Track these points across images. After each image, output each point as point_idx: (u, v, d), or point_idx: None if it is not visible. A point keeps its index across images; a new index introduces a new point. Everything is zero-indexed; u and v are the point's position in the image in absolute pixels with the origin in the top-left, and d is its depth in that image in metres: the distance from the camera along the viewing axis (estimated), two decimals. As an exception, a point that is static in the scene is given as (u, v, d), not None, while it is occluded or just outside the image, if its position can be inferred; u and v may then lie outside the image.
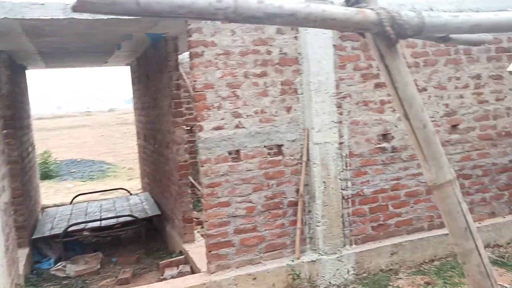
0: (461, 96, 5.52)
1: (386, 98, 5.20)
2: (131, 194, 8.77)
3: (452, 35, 1.58)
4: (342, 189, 5.03)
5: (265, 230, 4.81)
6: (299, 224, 4.87)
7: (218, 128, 4.60)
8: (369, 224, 5.20)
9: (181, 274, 5.04)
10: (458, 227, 1.48)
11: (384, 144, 5.23)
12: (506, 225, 5.65)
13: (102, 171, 16.66)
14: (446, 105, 5.45)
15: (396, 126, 5.25)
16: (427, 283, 4.89)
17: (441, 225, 5.49)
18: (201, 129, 4.56)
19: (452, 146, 5.51)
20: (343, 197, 5.05)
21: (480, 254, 1.49)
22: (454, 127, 5.52)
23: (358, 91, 5.08)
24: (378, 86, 5.15)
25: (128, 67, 9.07)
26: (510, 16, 1.22)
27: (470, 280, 1.56)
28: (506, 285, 4.76)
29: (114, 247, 7.04)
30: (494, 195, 5.73)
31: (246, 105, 4.70)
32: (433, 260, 5.33)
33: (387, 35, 1.14)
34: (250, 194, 4.74)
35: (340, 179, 5.00)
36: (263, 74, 4.74)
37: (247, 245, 4.73)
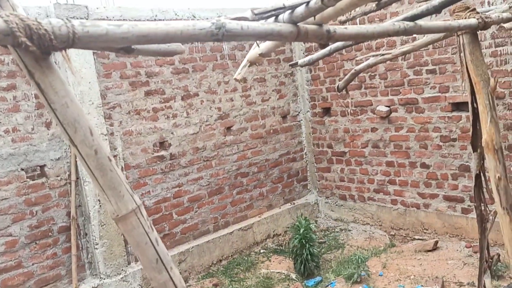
0: (232, 99, 5.78)
1: (159, 106, 5.09)
2: None
3: (137, 46, 1.46)
4: (120, 204, 4.73)
5: (33, 264, 4.21)
6: (74, 251, 4.40)
7: (-44, 154, 3.82)
8: (154, 236, 5.02)
9: None
10: (148, 260, 1.37)
11: (162, 152, 5.13)
12: (282, 215, 6.16)
13: None
14: (219, 109, 5.64)
15: (172, 133, 5.20)
16: (215, 285, 4.97)
17: (226, 225, 5.68)
18: None
19: (228, 148, 5.73)
20: (122, 213, 4.75)
21: (175, 286, 1.41)
22: (229, 129, 5.75)
23: (128, 100, 4.85)
24: (149, 93, 5.00)
25: None
26: (179, 26, 1.14)
27: None
28: (284, 271, 5.16)
29: None
30: (270, 189, 6.19)
31: (-8, 123, 4.01)
32: (220, 260, 5.46)
33: (28, 49, 0.93)
34: (9, 226, 4.08)
35: (117, 194, 4.70)
36: (12, 87, 4.12)
37: (11, 286, 4.06)
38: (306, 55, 3.32)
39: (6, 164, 4.07)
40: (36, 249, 4.23)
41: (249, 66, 2.07)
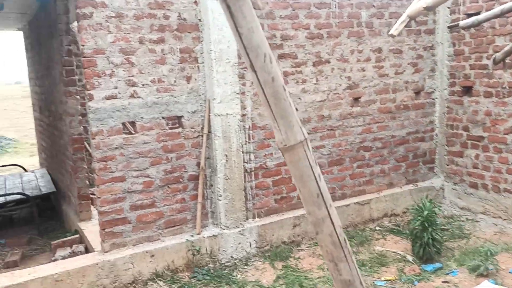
0: (363, 69, 5.59)
1: (289, 70, 5.12)
2: (25, 171, 8.07)
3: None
4: (244, 162, 4.92)
5: (164, 205, 4.59)
6: (200, 199, 4.70)
7: (110, 97, 4.25)
8: (272, 197, 5.16)
9: (73, 254, 4.68)
10: (309, 193, 1.37)
11: (288, 116, 5.17)
12: (403, 195, 5.90)
13: (0, 147, 15.34)
14: (349, 78, 5.50)
15: (299, 98, 5.21)
16: (327, 253, 4.97)
17: (342, 197, 5.61)
18: (91, 98, 4.18)
19: (354, 119, 5.59)
20: (245, 170, 4.94)
21: (333, 223, 1.40)
22: (356, 99, 5.60)
23: (261, 62, 4.94)
24: (281, 57, 5.04)
25: (21, 33, 8.22)
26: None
27: (323, 251, 1.46)
28: (400, 252, 4.97)
29: (4, 229, 6.44)
30: (393, 167, 5.95)
31: (142, 73, 4.38)
32: (334, 231, 5.43)
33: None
34: (147, 168, 4.47)
35: (243, 152, 4.89)
36: (160, 41, 4.43)
37: (144, 222, 4.49)
38: (452, 26, 3.01)
39: (150, 111, 4.43)
40: (168, 192, 4.59)
41: (408, 22, 1.95)
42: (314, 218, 1.38)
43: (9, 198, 6.15)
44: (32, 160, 11.77)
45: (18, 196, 6.08)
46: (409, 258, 4.82)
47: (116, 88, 4.27)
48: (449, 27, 3.15)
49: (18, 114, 23.27)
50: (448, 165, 6.11)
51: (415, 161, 6.11)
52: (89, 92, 4.17)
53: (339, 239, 1.41)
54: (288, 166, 1.38)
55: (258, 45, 1.20)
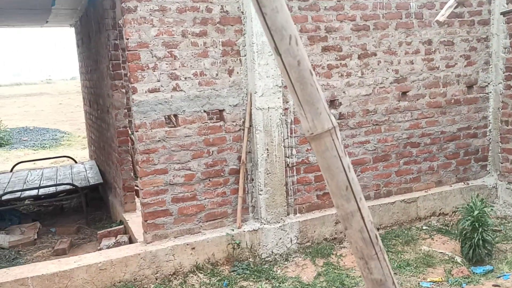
0: (412, 62, 5.37)
1: (334, 63, 4.99)
2: (76, 162, 8.37)
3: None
4: (286, 156, 4.86)
5: (205, 198, 4.61)
6: (241, 193, 4.68)
7: (153, 90, 4.30)
8: (314, 193, 5.07)
9: (117, 244, 4.80)
10: (338, 186, 1.29)
11: (332, 111, 5.06)
12: (452, 194, 5.64)
13: (55, 140, 16.04)
14: (396, 71, 5.30)
15: (344, 92, 5.08)
16: (370, 252, 4.83)
17: (388, 194, 5.43)
18: (134, 91, 4.24)
19: (401, 114, 5.39)
20: (287, 165, 4.88)
21: (363, 218, 1.31)
22: (404, 94, 5.39)
23: (305, 55, 4.84)
24: (325, 49, 4.93)
25: (74, 29, 8.52)
26: None
27: (352, 248, 1.38)
28: (448, 252, 4.76)
29: (55, 217, 6.72)
30: (442, 164, 5.69)
31: (184, 66, 4.40)
32: (378, 229, 5.28)
33: None
34: (189, 161, 4.50)
35: (284, 146, 4.82)
36: (203, 34, 4.44)
37: (185, 214, 4.52)
38: (506, 11, 2.80)
39: (192, 104, 4.45)
40: (209, 185, 4.60)
41: (455, 8, 1.81)
42: (342, 212, 1.31)
43: (60, 188, 6.39)
44: (83, 152, 12.22)
45: (68, 187, 6.31)
46: (458, 259, 4.60)
47: (159, 81, 4.31)
48: (502, 13, 2.93)
49: (72, 108, 24.27)
50: (502, 163, 5.78)
51: (467, 159, 5.82)
52: (132, 85, 4.24)
53: (369, 235, 1.33)
54: (316, 156, 1.30)
55: (282, 26, 1.13)
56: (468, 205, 4.57)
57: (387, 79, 5.27)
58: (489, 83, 5.78)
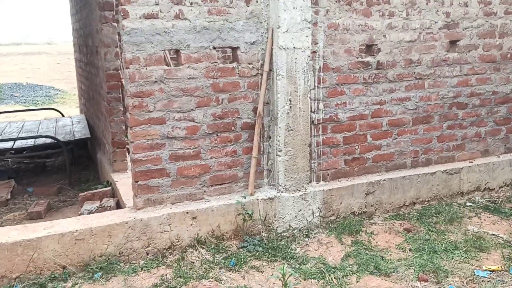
0: (466, 4, 4.41)
1: (375, -2, 4.04)
2: (63, 116, 7.46)
3: None
4: (312, 111, 3.96)
5: (211, 158, 3.73)
6: (255, 153, 3.80)
7: (150, 16, 3.36)
8: (342, 157, 4.20)
9: (101, 209, 3.95)
10: None
11: (368, 58, 4.13)
12: (501, 166, 4.78)
13: (48, 97, 15.10)
14: (447, 14, 4.35)
15: (384, 36, 4.14)
16: (407, 230, 4.00)
17: (427, 162, 4.57)
18: (126, 15, 3.30)
19: (449, 67, 4.47)
20: (312, 122, 3.99)
21: None
22: (454, 43, 4.45)
23: (340, -15, 3.89)
24: (366, -21, 3.96)
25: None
26: None
27: None
28: (501, 235, 3.93)
29: (35, 176, 5.86)
30: (490, 130, 4.81)
31: (190, -12, 3.44)
32: (414, 203, 4.43)
33: None
34: (192, 110, 3.61)
35: (311, 99, 3.92)
36: None
37: (186, 176, 3.65)
38: None
39: (198, 38, 3.52)
40: (216, 142, 3.72)
41: None
42: None
43: (39, 142, 5.50)
44: (77, 111, 11.31)
45: (49, 140, 5.42)
46: (516, 244, 3.77)
47: (157, 4, 3.36)
48: None
49: (71, 68, 23.22)
50: (560, 132, 4.90)
51: (519, 126, 4.93)
52: (123, 7, 3.29)
53: None
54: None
55: None
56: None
57: (435, 24, 4.32)
58: (552, 37, 4.83)
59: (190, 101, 3.58)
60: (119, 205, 4.13)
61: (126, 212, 3.61)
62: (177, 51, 3.52)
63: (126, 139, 4.68)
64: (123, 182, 4.39)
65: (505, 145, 4.91)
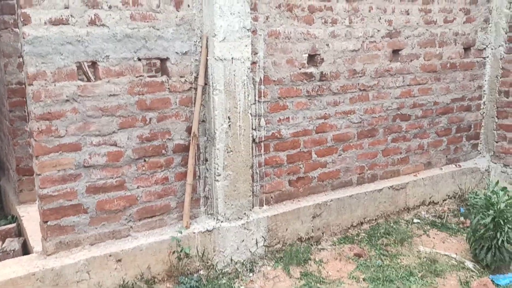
0: (407, 12, 4.22)
1: (317, 4, 3.71)
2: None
3: None
4: (253, 128, 3.54)
5: (139, 187, 3.18)
6: (190, 179, 3.31)
7: (58, 22, 2.75)
8: (286, 178, 3.82)
9: (3, 255, 3.24)
10: None
11: (311, 69, 3.79)
12: (444, 178, 4.65)
13: None
14: (389, 22, 4.13)
15: (327, 45, 3.82)
16: (358, 255, 3.70)
17: (373, 178, 4.32)
18: (27, 20, 2.68)
19: (392, 78, 4.25)
20: (253, 140, 3.57)
21: None
22: (396, 52, 4.25)
23: (281, -12, 3.51)
24: (308, -17, 3.62)
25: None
26: None
27: None
28: (454, 255, 3.75)
29: None
30: (432, 142, 4.67)
31: (108, -12, 2.88)
32: (362, 223, 4.16)
33: None
34: (114, 132, 3.04)
35: (252, 115, 3.49)
36: None
37: (108, 210, 3.08)
38: None
39: (120, 47, 2.96)
40: (144, 168, 3.18)
41: None
42: None
43: None
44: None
45: None
46: (469, 264, 3.60)
47: (67, 8, 2.77)
48: None
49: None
50: (497, 141, 4.89)
51: (458, 136, 4.85)
52: (23, 11, 2.66)
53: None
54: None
55: None
56: (485, 195, 3.56)
57: (378, 32, 4.08)
58: (487, 46, 4.80)
59: (111, 122, 3.01)
60: (26, 247, 3.44)
61: (33, 259, 2.95)
62: (94, 64, 2.94)
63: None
64: (31, 216, 3.69)
65: (446, 156, 4.80)
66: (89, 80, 2.96)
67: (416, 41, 4.33)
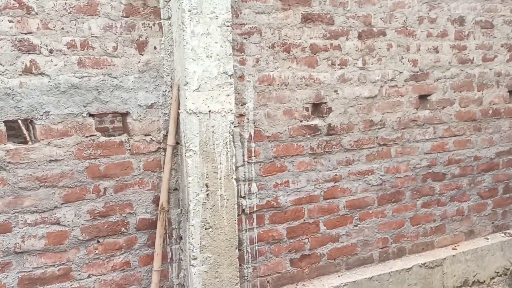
0: (436, 50, 3.50)
1: (321, 42, 3.05)
2: None
3: None
4: (240, 196, 2.83)
5: (90, 276, 2.50)
6: (157, 263, 2.60)
7: (-19, 71, 2.20)
8: (287, 256, 3.05)
9: None
10: None
11: (316, 121, 3.09)
12: (491, 251, 3.75)
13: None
14: (414, 62, 3.41)
15: (335, 92, 3.13)
16: None
17: (399, 254, 3.48)
18: None
19: (419, 129, 3.49)
20: (242, 211, 2.85)
21: None
22: (424, 98, 3.50)
23: (274, 25, 2.87)
24: (308, 19, 2.98)
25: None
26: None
27: None
28: None
29: None
30: (474, 205, 3.81)
31: (49, 28, 2.32)
32: (386, 312, 3.30)
33: None
34: (56, 207, 2.40)
35: (238, 180, 2.79)
36: (88, -30, 2.39)
37: (49, 307, 2.40)
38: None
39: (64, 101, 2.37)
40: (97, 251, 2.50)
41: None
42: None
43: None
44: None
45: None
46: None
47: (-7, 53, 2.22)
48: None
49: None
50: (556, 204, 3.97)
51: (507, 197, 3.97)
52: None
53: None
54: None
55: None
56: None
57: (400, 74, 3.36)
58: (537, 88, 3.98)
59: (52, 195, 2.38)
60: None
61: None
62: (30, 122, 2.35)
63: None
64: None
65: (492, 223, 3.92)
66: (25, 142, 2.37)
67: (448, 83, 3.57)
